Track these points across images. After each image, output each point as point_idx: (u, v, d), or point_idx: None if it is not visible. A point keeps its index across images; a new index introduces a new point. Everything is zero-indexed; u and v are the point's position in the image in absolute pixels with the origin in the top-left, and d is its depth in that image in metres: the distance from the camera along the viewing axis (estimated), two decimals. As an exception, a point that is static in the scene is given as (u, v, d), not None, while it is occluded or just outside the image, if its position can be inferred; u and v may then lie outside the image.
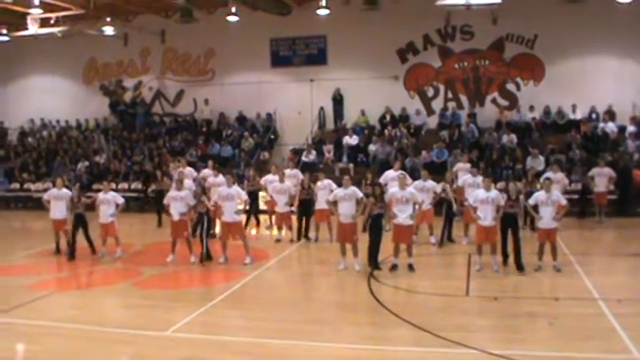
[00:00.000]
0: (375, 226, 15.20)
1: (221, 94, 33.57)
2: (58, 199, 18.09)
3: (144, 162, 30.10)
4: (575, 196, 23.05)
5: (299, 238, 19.56)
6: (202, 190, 17.83)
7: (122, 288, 14.72)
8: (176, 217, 16.76)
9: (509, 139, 27.43)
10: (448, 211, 18.42)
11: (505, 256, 15.30)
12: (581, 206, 23.36)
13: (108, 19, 31.01)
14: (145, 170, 29.09)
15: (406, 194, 15.15)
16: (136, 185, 28.97)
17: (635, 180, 24.26)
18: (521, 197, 15.59)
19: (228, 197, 16.57)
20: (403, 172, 18.60)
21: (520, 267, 14.85)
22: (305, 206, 19.69)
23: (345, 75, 31.44)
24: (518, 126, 28.67)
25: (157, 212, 23.27)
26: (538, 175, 21.02)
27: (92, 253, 17.92)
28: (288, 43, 32.87)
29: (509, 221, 15.08)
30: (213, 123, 33.49)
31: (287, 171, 21.50)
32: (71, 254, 17.51)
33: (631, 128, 27.06)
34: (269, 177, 21.55)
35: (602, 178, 22.76)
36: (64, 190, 18.34)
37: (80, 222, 17.75)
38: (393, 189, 15.86)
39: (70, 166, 31.23)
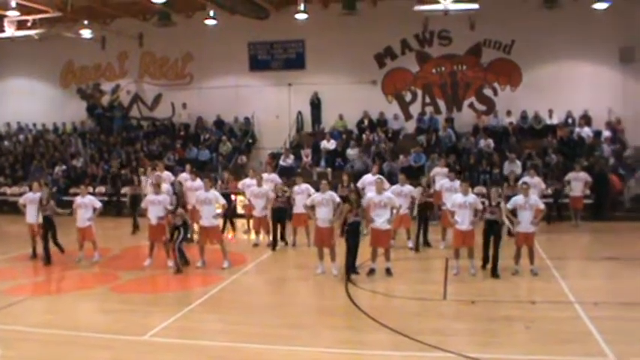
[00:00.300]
0: (351, 233, 15.01)
1: (199, 98, 33.47)
2: (34, 203, 17.96)
3: (113, 166, 30.07)
4: (552, 200, 23.23)
5: (274, 247, 19.22)
6: (178, 200, 17.40)
7: (99, 292, 14.64)
8: (154, 221, 16.71)
9: (487, 143, 27.61)
10: (421, 214, 18.45)
11: (485, 260, 15.29)
12: (555, 210, 23.46)
13: (85, 22, 30.87)
14: (113, 175, 29.05)
15: (383, 199, 15.18)
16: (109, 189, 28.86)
17: (612, 185, 24.46)
18: (502, 203, 15.52)
19: (206, 201, 16.56)
20: (381, 176, 18.63)
21: (495, 274, 14.83)
22: (278, 214, 19.40)
23: (323, 79, 31.49)
24: (496, 131, 28.84)
25: (132, 217, 23.03)
26: (518, 179, 21.11)
27: (61, 252, 17.84)
28: (266, 47, 32.85)
29: (491, 228, 15.04)
30: (191, 127, 33.39)
31: (265, 175, 21.45)
32: (47, 259, 17.37)
33: (606, 133, 27.35)
34: (246, 181, 21.52)
35: (577, 183, 22.98)
36: (40, 194, 18.22)
37: (48, 224, 17.52)
38: (370, 193, 15.90)
39: (47, 170, 31.00)
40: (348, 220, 14.97)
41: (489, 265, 15.14)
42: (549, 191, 23.26)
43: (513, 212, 15.10)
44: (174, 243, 16.05)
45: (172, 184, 21.38)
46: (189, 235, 17.15)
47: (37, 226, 17.84)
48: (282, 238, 19.64)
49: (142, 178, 21.91)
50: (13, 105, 35.83)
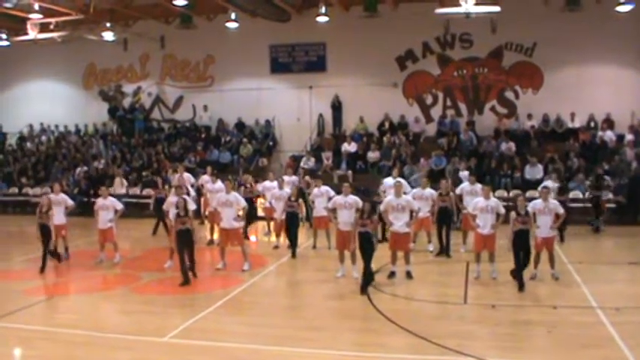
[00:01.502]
0: (365, 244, 14.15)
1: (220, 101, 33.59)
2: (56, 205, 18.04)
3: (92, 167, 30.51)
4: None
5: (294, 254, 18.59)
6: (185, 204, 15.73)
7: (120, 293, 14.71)
8: (175, 223, 16.71)
9: (508, 147, 27.49)
10: (439, 219, 18.17)
11: (521, 283, 14.15)
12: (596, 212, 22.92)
13: (107, 25, 30.93)
14: (86, 176, 29.46)
15: (402, 202, 15.11)
16: (134, 191, 28.89)
17: None
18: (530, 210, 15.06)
19: (227, 203, 16.56)
20: (400, 179, 18.57)
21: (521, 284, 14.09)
22: (289, 219, 18.77)
23: (344, 82, 31.51)
24: (517, 134, 28.73)
25: (157, 219, 22.94)
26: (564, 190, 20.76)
27: (41, 270, 16.63)
28: (287, 49, 32.91)
29: (522, 239, 14.24)
30: (212, 129, 33.53)
31: (285, 177, 21.49)
32: (58, 258, 17.40)
33: (629, 137, 27.08)
34: (266, 183, 21.64)
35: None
36: (62, 195, 18.33)
37: (43, 232, 16.76)
38: (389, 197, 15.86)
39: (68, 173, 31.18)
40: (358, 230, 14.32)
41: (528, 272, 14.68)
42: (588, 195, 23.21)
43: (532, 217, 14.91)
44: (190, 255, 15.26)
45: (192, 185, 21.38)
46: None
47: (65, 227, 17.96)
48: (293, 252, 18.65)
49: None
50: (35, 107, 36.06)
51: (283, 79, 33.04)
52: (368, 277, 14.17)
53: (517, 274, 14.22)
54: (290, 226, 18.90)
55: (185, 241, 15.24)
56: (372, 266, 14.36)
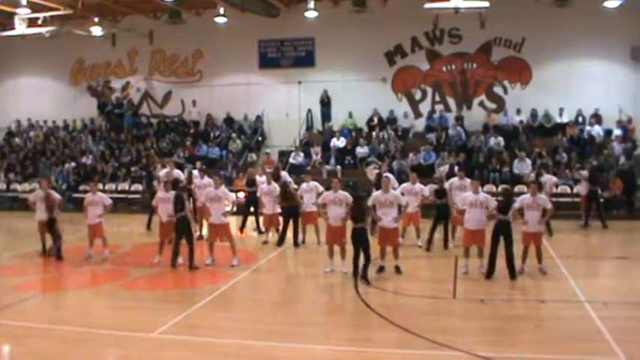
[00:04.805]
0: (358, 239, 14.45)
1: (209, 96, 33.52)
2: (44, 201, 18.01)
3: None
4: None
5: (280, 243, 19.00)
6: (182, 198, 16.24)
7: (109, 289, 14.67)
8: (165, 218, 16.70)
9: (497, 142, 27.56)
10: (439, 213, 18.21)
11: (492, 265, 14.50)
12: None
13: (96, 20, 30.91)
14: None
15: (389, 197, 15.11)
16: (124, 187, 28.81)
17: (618, 186, 24.40)
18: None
19: (216, 199, 16.54)
20: (388, 174, 18.55)
21: (513, 276, 14.29)
22: (289, 211, 19.10)
23: (332, 77, 31.49)
24: (506, 129, 28.81)
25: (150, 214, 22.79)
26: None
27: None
28: (276, 44, 32.87)
29: (501, 228, 14.34)
30: (201, 124, 33.47)
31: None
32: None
33: (617, 132, 27.20)
34: (256, 178, 21.57)
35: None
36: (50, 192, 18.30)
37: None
38: (377, 192, 15.87)
39: (55, 168, 31.08)
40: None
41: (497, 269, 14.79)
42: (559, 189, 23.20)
43: (520, 211, 14.93)
44: None
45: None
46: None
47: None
48: (296, 241, 19.19)
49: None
50: (23, 102, 35.96)
51: (272, 74, 33.01)
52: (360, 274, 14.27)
53: (491, 261, 14.32)
54: (287, 217, 19.16)
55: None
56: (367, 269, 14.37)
